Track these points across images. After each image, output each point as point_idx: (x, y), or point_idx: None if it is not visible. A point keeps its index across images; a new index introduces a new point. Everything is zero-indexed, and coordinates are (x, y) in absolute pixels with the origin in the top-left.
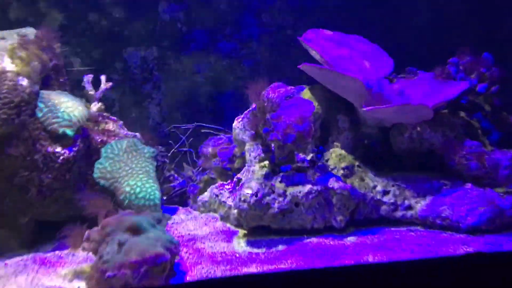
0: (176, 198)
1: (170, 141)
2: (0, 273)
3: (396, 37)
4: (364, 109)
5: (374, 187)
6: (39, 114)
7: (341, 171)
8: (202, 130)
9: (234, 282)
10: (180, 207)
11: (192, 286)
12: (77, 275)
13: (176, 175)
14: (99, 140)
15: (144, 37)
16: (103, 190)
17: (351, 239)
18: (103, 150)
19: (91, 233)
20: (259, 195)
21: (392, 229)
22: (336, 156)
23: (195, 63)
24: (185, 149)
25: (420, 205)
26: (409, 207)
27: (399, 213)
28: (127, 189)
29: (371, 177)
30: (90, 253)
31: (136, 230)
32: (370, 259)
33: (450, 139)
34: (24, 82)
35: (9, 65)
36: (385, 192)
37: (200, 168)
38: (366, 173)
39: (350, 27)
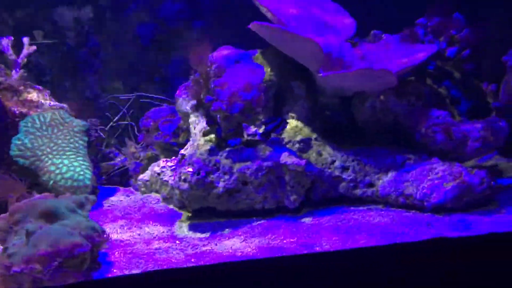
0: (117, 177)
1: (107, 114)
2: None
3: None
4: (321, 74)
5: (332, 162)
6: None
7: (297, 145)
8: (143, 100)
9: (169, 277)
10: (121, 188)
11: (116, 282)
12: None
13: (117, 152)
14: (17, 112)
15: None
16: (22, 170)
17: (306, 220)
18: (22, 123)
19: None
20: (201, 173)
21: (351, 208)
22: (291, 129)
23: (137, 26)
24: (126, 122)
25: (381, 181)
26: (370, 184)
27: (359, 191)
28: (52, 168)
29: (329, 152)
30: None
31: (51, 216)
32: (324, 243)
33: (416, 109)
34: None
35: None
36: (344, 168)
37: (143, 143)
38: (324, 147)
39: None
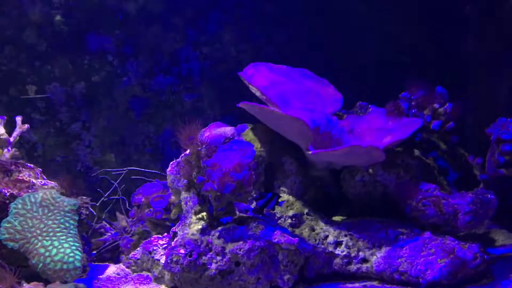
0: (108, 253)
1: (98, 189)
2: None
3: (347, 70)
4: (310, 152)
5: (326, 237)
6: None
7: (289, 220)
8: (134, 177)
9: None
10: (112, 264)
11: None
12: None
13: (108, 227)
14: (7, 194)
15: (70, 71)
16: (11, 253)
17: None
18: (12, 205)
19: None
20: (193, 254)
21: (347, 285)
22: (283, 203)
23: (129, 99)
24: (117, 197)
25: (375, 257)
26: (364, 260)
27: (353, 267)
28: (41, 250)
29: (322, 226)
30: None
31: None
32: None
33: (405, 182)
34: None
35: None
36: (337, 243)
37: (134, 218)
38: (316, 221)
39: (296, 59)
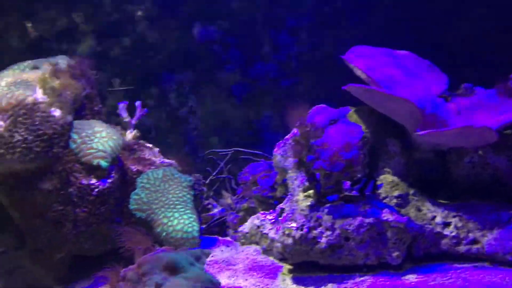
0: (215, 227)
1: (207, 168)
2: None
3: (449, 51)
4: (418, 133)
5: (433, 218)
6: (73, 146)
7: (394, 200)
8: (241, 156)
9: None
10: (220, 237)
11: None
12: None
13: (214, 203)
14: (134, 169)
15: (179, 60)
16: (139, 222)
17: (410, 277)
18: (138, 180)
19: (127, 272)
20: (304, 228)
21: (456, 266)
22: (388, 184)
23: (231, 85)
24: (223, 175)
25: (486, 238)
26: (474, 241)
27: (462, 248)
28: (164, 220)
29: (429, 207)
30: None
31: (173, 269)
32: None
33: None
34: (57, 113)
35: (40, 96)
36: (445, 224)
37: (240, 196)
38: (423, 202)
39: (396, 43)
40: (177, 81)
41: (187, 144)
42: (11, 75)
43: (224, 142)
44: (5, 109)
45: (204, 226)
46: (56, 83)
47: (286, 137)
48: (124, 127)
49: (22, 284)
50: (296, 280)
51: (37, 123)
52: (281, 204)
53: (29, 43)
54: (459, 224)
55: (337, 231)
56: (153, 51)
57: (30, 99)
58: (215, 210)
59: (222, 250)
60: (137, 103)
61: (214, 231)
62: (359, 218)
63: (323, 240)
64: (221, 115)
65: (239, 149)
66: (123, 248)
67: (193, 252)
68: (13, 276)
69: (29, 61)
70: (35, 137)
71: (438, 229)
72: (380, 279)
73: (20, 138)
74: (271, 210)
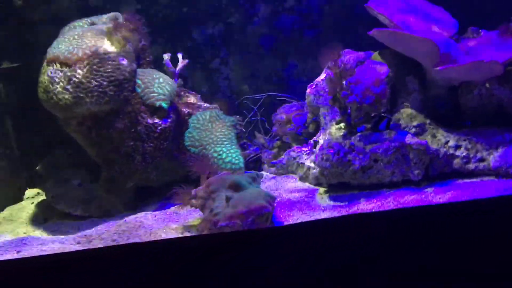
0: (252, 164)
1: (244, 111)
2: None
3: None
4: (437, 68)
5: (447, 142)
6: (138, 90)
7: (413, 129)
8: (277, 99)
9: (328, 223)
10: (257, 172)
11: (290, 229)
12: (187, 229)
13: (249, 143)
14: (186, 111)
15: (211, 15)
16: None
17: (428, 190)
18: (190, 120)
19: (197, 191)
20: (340, 153)
21: (466, 180)
22: (407, 116)
23: (259, 37)
24: (257, 118)
25: (492, 156)
26: (482, 159)
27: (471, 166)
28: (215, 154)
29: (443, 134)
30: (195, 209)
31: (237, 187)
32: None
33: None
34: (124, 61)
35: (109, 47)
36: (457, 147)
37: (271, 135)
38: (437, 129)
39: None
40: (210, 34)
41: (220, 92)
42: (77, 29)
43: (254, 89)
44: (82, 59)
45: None
46: (119, 35)
47: (316, 79)
48: (169, 76)
49: (99, 211)
50: (332, 198)
51: (109, 70)
52: (314, 137)
53: (78, 3)
54: (469, 146)
55: (368, 154)
56: (187, 7)
57: (101, 49)
58: (251, 149)
59: (262, 180)
60: (179, 54)
61: (250, 166)
62: (386, 143)
63: (357, 162)
64: (250, 65)
65: (272, 93)
66: (191, 171)
67: (250, 175)
68: (91, 204)
69: (86, 18)
70: (108, 83)
71: (451, 151)
72: (405, 192)
73: (96, 83)
74: (304, 144)
